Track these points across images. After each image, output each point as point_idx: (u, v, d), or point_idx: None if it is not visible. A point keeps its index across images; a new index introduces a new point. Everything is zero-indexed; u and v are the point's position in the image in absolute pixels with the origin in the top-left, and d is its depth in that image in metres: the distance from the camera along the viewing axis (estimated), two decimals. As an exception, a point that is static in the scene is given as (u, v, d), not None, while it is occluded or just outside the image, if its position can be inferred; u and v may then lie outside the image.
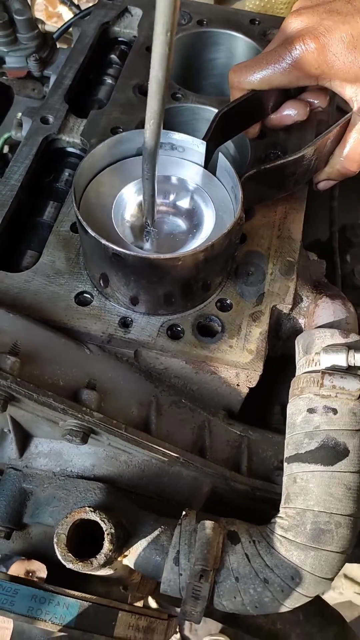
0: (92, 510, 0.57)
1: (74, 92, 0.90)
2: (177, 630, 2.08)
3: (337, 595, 1.99)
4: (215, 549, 0.55)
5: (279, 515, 0.59)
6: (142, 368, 0.69)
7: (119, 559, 0.59)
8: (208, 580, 0.54)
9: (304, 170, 0.74)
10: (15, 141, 0.97)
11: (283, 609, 0.56)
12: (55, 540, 0.56)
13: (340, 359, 0.59)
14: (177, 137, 0.68)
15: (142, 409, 0.67)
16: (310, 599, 0.56)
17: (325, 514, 0.55)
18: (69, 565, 0.55)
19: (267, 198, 0.75)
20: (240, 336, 0.67)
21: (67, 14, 1.79)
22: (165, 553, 0.58)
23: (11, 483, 0.67)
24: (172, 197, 0.70)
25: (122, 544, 0.59)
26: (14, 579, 0.58)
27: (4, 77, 1.00)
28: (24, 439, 0.68)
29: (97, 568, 0.55)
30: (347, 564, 0.72)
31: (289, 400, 0.63)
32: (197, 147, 0.68)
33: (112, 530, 0.56)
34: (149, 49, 0.94)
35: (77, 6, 1.34)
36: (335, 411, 0.58)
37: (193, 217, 0.69)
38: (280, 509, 0.59)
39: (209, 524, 0.57)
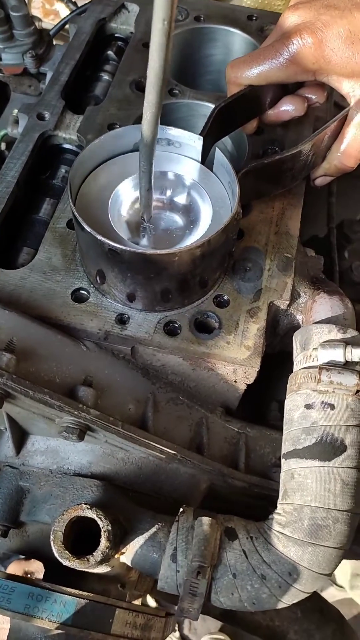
0: (89, 507, 0.56)
1: (71, 88, 0.90)
2: (177, 629, 2.08)
3: (336, 592, 1.99)
4: (213, 546, 0.55)
5: (276, 511, 0.59)
6: (139, 365, 0.69)
7: (116, 556, 0.59)
8: (205, 577, 0.53)
9: (302, 166, 0.73)
10: (12, 138, 0.97)
11: (281, 605, 0.56)
12: (51, 537, 0.55)
13: (337, 355, 0.58)
14: (174, 132, 0.68)
15: (139, 405, 0.66)
16: (308, 594, 0.56)
17: (323, 510, 0.54)
18: (66, 563, 0.55)
19: (265, 194, 0.75)
20: (237, 332, 0.67)
21: (64, 11, 1.78)
22: (163, 550, 0.57)
23: (8, 481, 0.67)
24: (168, 192, 0.69)
25: (119, 541, 0.58)
26: (11, 577, 0.58)
27: (0, 74, 0.99)
28: (20, 437, 0.68)
29: (94, 565, 0.55)
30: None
31: (287, 396, 0.62)
32: (193, 142, 0.68)
33: (109, 528, 0.55)
34: (146, 45, 0.94)
35: (74, 3, 1.33)
36: (332, 407, 0.58)
37: (190, 213, 0.69)
38: (278, 505, 0.59)
39: (206, 520, 0.56)
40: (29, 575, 0.77)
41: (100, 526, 0.56)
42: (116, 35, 1.02)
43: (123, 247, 0.57)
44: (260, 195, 0.75)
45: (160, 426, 0.67)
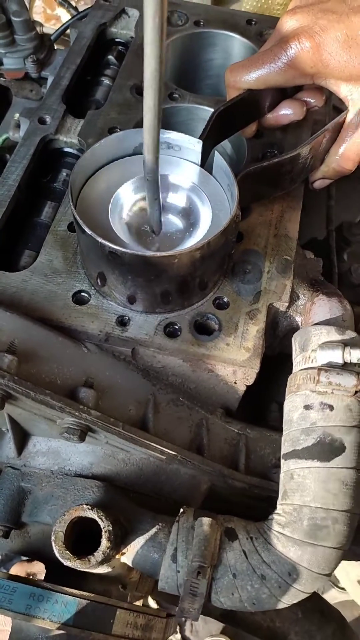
0: (90, 507, 0.57)
1: (72, 92, 0.91)
2: (178, 631, 2.08)
3: (337, 594, 1.99)
4: (213, 546, 0.56)
5: (276, 511, 0.59)
6: (139, 366, 0.69)
7: (117, 556, 0.60)
8: (205, 577, 0.54)
9: (300, 169, 0.74)
10: (13, 142, 0.97)
11: (281, 605, 0.56)
12: (53, 537, 0.56)
13: (336, 356, 0.59)
14: (174, 136, 0.69)
15: (140, 407, 0.67)
16: (307, 594, 0.56)
17: (322, 510, 0.55)
18: (67, 563, 0.55)
19: (264, 196, 0.76)
20: (237, 334, 0.68)
21: (65, 17, 1.80)
22: (163, 550, 0.58)
23: (9, 482, 0.68)
24: (168, 196, 0.70)
25: (120, 541, 0.59)
26: (12, 578, 0.59)
27: (1, 79, 1.00)
28: (22, 438, 0.68)
29: (95, 566, 0.55)
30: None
31: (286, 397, 0.63)
32: (193, 146, 0.68)
33: (110, 528, 0.56)
34: (145, 50, 0.94)
35: (75, 8, 1.35)
36: (331, 407, 0.58)
37: (190, 216, 0.69)
38: (278, 505, 0.59)
39: (206, 520, 0.57)
40: (30, 577, 0.77)
41: (101, 526, 0.56)
42: (117, 40, 1.03)
43: (123, 250, 0.58)
44: (259, 197, 0.75)
45: (161, 427, 0.67)
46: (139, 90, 0.89)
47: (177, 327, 0.68)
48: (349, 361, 0.59)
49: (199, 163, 0.70)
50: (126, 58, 0.93)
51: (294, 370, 0.65)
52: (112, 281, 0.65)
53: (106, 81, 0.97)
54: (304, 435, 0.58)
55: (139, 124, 0.83)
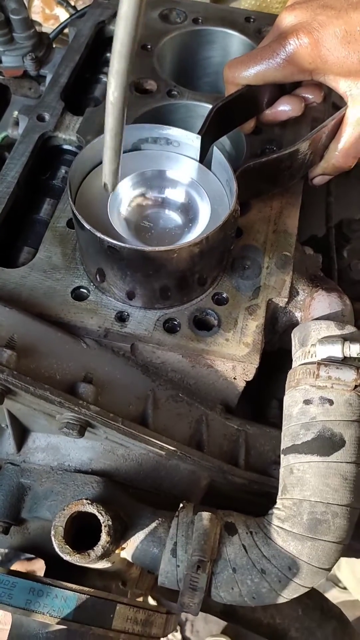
0: (90, 502, 0.57)
1: (70, 90, 0.91)
2: (179, 631, 2.08)
3: (338, 593, 1.99)
4: (213, 540, 0.56)
5: (276, 506, 0.59)
6: (138, 362, 0.69)
7: (117, 551, 0.60)
8: (205, 571, 0.54)
9: (299, 165, 0.74)
10: (13, 140, 0.97)
11: (281, 600, 0.56)
12: (52, 532, 0.56)
13: (335, 350, 0.59)
14: (172, 132, 0.69)
15: (139, 403, 0.67)
16: (308, 589, 0.56)
17: (322, 504, 0.55)
18: (66, 558, 0.55)
19: (263, 192, 0.76)
20: (236, 329, 0.68)
21: (64, 16, 1.80)
22: (163, 545, 0.58)
23: (9, 478, 0.68)
24: (167, 191, 0.70)
25: (119, 536, 0.59)
26: (12, 573, 0.58)
27: (0, 77, 1.00)
28: (21, 434, 0.68)
29: (95, 560, 0.55)
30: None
31: (286, 392, 0.63)
32: (192, 141, 0.68)
33: (110, 522, 0.56)
34: (144, 47, 0.95)
35: (74, 7, 1.35)
36: (331, 402, 0.58)
37: (189, 212, 0.69)
38: (277, 500, 0.59)
39: (206, 515, 0.57)
40: (30, 574, 0.77)
41: (101, 521, 0.56)
42: (115, 37, 1.03)
43: (122, 244, 0.58)
44: (258, 193, 0.75)
45: (160, 423, 0.67)
46: (137, 87, 0.89)
47: (176, 322, 0.68)
48: (348, 355, 0.59)
49: (198, 159, 0.70)
50: (125, 55, 0.93)
51: (293, 366, 0.65)
52: (111, 277, 0.65)
53: (105, 79, 0.97)
54: (303, 430, 0.58)
55: (138, 120, 0.84)
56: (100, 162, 0.69)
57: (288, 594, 0.55)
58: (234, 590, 0.55)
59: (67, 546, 0.55)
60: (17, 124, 0.89)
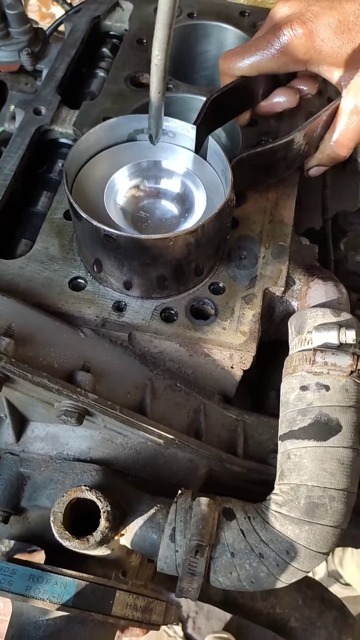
0: (88, 489, 0.57)
1: (67, 85, 0.91)
2: (180, 626, 2.08)
3: (340, 589, 1.99)
4: (211, 525, 0.56)
5: (273, 492, 0.59)
6: (136, 352, 0.70)
7: (116, 537, 0.60)
8: (204, 556, 0.54)
9: (295, 155, 0.74)
10: (10, 134, 0.98)
11: (279, 584, 0.56)
12: (51, 518, 0.56)
13: (331, 337, 0.59)
14: (168, 122, 0.69)
15: (137, 392, 0.67)
16: (306, 573, 0.56)
17: (319, 489, 0.55)
18: (66, 543, 0.55)
19: (259, 183, 0.76)
20: (233, 318, 0.68)
21: (60, 15, 1.80)
22: (161, 530, 0.58)
23: (8, 468, 0.68)
24: (163, 182, 0.70)
25: (118, 523, 0.59)
26: (12, 560, 0.59)
27: (-3, 72, 1.01)
28: (20, 424, 0.68)
29: (94, 546, 0.56)
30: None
31: (282, 380, 0.63)
32: (187, 132, 0.69)
33: (108, 508, 0.56)
34: (140, 41, 0.95)
35: (70, 4, 1.35)
36: (327, 388, 0.58)
37: (185, 202, 0.70)
38: (275, 485, 0.60)
39: (204, 500, 0.57)
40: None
41: (100, 507, 0.56)
42: (111, 32, 1.03)
43: (118, 232, 0.58)
44: (254, 184, 0.76)
45: (158, 412, 0.68)
46: (133, 81, 0.89)
47: (173, 312, 0.68)
48: (344, 342, 0.60)
49: (194, 149, 0.71)
50: (120, 49, 0.94)
51: (290, 353, 0.65)
52: (108, 267, 0.66)
53: (101, 73, 0.97)
54: (300, 416, 0.59)
55: (134, 113, 0.84)
56: (96, 153, 0.70)
57: (286, 578, 0.56)
58: (233, 575, 0.55)
59: (66, 532, 0.55)
60: (13, 118, 0.90)
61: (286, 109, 0.79)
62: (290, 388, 0.61)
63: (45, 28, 1.21)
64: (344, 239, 0.99)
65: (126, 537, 0.60)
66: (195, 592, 0.54)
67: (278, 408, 0.65)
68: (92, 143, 0.68)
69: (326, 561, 2.03)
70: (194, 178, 0.70)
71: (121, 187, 0.69)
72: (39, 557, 0.81)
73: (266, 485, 0.66)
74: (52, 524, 0.56)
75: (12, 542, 0.80)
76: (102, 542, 0.56)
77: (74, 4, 1.34)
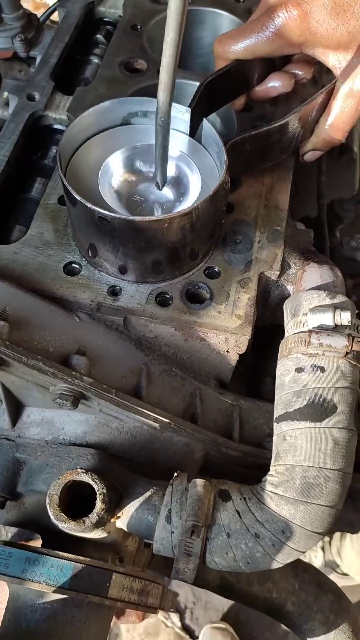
0: (84, 471, 0.57)
1: (61, 71, 0.91)
2: (178, 617, 2.09)
3: (337, 579, 2.00)
4: (207, 506, 0.56)
5: (269, 473, 0.59)
6: (132, 336, 0.69)
7: (112, 520, 0.60)
8: (200, 536, 0.54)
9: (290, 139, 0.74)
10: (3, 121, 0.97)
11: (275, 565, 0.56)
12: (47, 501, 0.56)
13: (327, 319, 0.59)
14: (162, 106, 0.69)
15: (133, 376, 0.67)
16: (301, 553, 0.56)
17: (314, 469, 0.55)
18: (62, 526, 0.55)
19: (254, 167, 0.76)
20: (228, 302, 0.68)
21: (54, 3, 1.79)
22: (157, 512, 0.58)
23: (4, 453, 0.68)
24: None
25: (114, 505, 0.59)
26: (8, 544, 0.59)
27: (-10, 59, 1.00)
28: (16, 409, 0.68)
29: (90, 528, 0.56)
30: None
31: (278, 362, 0.63)
32: (182, 114, 0.68)
33: (104, 490, 0.56)
34: (134, 27, 0.94)
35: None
36: (322, 369, 0.58)
37: (179, 186, 0.69)
38: (271, 467, 0.60)
39: (200, 482, 0.57)
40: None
41: (96, 489, 0.56)
42: (105, 19, 1.03)
43: (112, 215, 0.58)
44: (249, 167, 0.75)
45: (154, 396, 0.68)
46: (127, 67, 0.89)
47: (168, 296, 0.68)
48: (339, 323, 0.59)
49: (188, 133, 0.70)
50: (115, 35, 0.93)
51: (285, 336, 0.65)
52: (102, 251, 0.65)
53: (95, 60, 0.97)
54: (295, 398, 0.59)
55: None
56: (90, 137, 0.70)
57: (282, 559, 0.56)
58: (229, 556, 0.56)
59: (62, 514, 0.55)
60: (7, 104, 0.89)
61: (281, 94, 0.79)
62: (285, 370, 0.61)
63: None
64: (340, 226, 0.99)
65: (122, 520, 0.60)
66: (191, 573, 0.54)
67: (273, 394, 0.65)
68: (86, 126, 0.68)
69: (323, 551, 2.04)
70: (189, 162, 0.69)
71: (116, 171, 0.68)
72: (36, 545, 0.81)
73: (262, 470, 0.66)
74: (48, 507, 0.56)
75: (10, 531, 0.81)
76: (98, 524, 0.56)
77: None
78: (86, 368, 0.61)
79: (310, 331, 0.59)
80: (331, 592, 0.85)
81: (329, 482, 0.55)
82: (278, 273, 0.71)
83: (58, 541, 0.62)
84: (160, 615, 2.09)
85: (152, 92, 0.87)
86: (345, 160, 1.22)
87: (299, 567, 0.83)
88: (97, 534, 0.59)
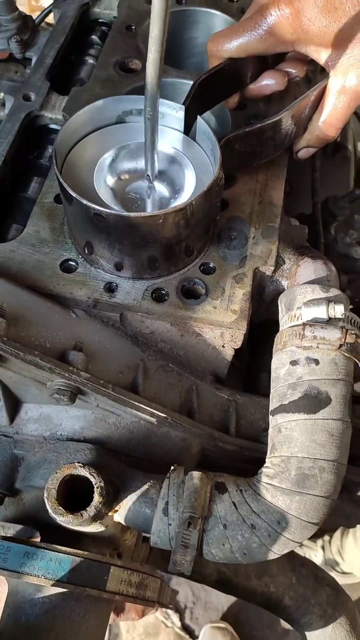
0: (82, 465, 0.58)
1: (56, 72, 0.91)
2: (178, 617, 2.09)
3: (337, 576, 2.00)
4: (203, 498, 0.56)
5: (265, 465, 0.60)
6: (128, 332, 0.70)
7: (110, 514, 0.60)
8: (196, 528, 0.55)
9: (283, 136, 0.75)
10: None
11: (272, 556, 0.57)
12: (45, 495, 0.57)
13: (320, 312, 0.60)
14: (157, 104, 0.69)
15: (129, 372, 0.68)
16: (297, 544, 0.57)
17: (309, 460, 0.56)
18: (60, 519, 0.56)
19: (248, 164, 0.77)
20: (224, 297, 0.68)
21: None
22: (155, 505, 0.59)
23: (2, 450, 0.68)
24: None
25: (112, 499, 0.60)
26: (6, 538, 0.59)
27: (-14, 61, 1.01)
28: (13, 406, 0.69)
29: (88, 521, 0.56)
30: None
31: (273, 356, 0.64)
32: (176, 112, 0.69)
33: (102, 484, 0.57)
34: (128, 28, 0.95)
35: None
36: (317, 362, 0.59)
37: (174, 183, 0.70)
38: (266, 459, 0.60)
39: (196, 474, 0.58)
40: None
41: (93, 483, 0.57)
42: (100, 20, 1.04)
43: (108, 211, 0.58)
44: (243, 164, 0.76)
45: (151, 392, 0.68)
46: (122, 67, 0.89)
47: (164, 292, 0.68)
48: (333, 316, 0.60)
49: (183, 130, 0.71)
50: (109, 36, 0.94)
51: (280, 330, 0.65)
52: (99, 248, 0.66)
53: (90, 60, 0.98)
54: (290, 390, 0.59)
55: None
56: (86, 135, 0.70)
57: (278, 549, 0.56)
58: (225, 547, 0.56)
59: (60, 507, 0.55)
60: (3, 104, 0.90)
61: (275, 92, 0.80)
62: (280, 363, 0.62)
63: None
64: (334, 223, 1.00)
65: (120, 514, 0.60)
66: (188, 565, 0.55)
67: (269, 389, 0.66)
68: (81, 124, 0.68)
69: (323, 549, 2.04)
70: (184, 159, 0.70)
71: (111, 169, 0.69)
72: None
73: (259, 464, 0.67)
74: (46, 500, 0.56)
75: (9, 529, 0.81)
76: (96, 518, 0.57)
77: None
78: (83, 364, 0.61)
79: (304, 324, 0.60)
80: (329, 586, 0.85)
81: (324, 472, 0.56)
82: (272, 268, 0.71)
83: (56, 536, 0.62)
84: (160, 615, 2.09)
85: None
86: (339, 158, 1.23)
87: (297, 562, 0.83)
88: (95, 528, 0.60)
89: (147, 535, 0.60)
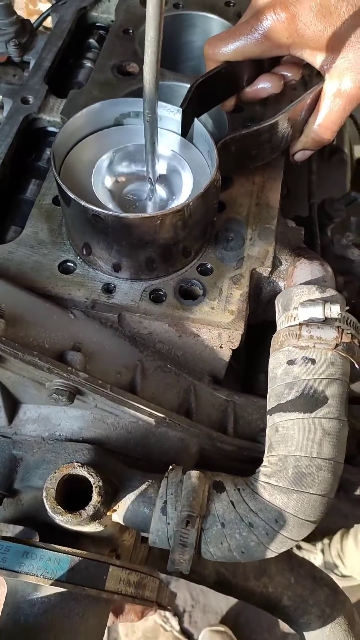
0: (80, 465, 0.58)
1: (54, 75, 0.92)
2: (177, 621, 2.08)
3: (336, 579, 2.00)
4: (201, 497, 0.57)
5: (262, 464, 0.60)
6: (126, 333, 0.70)
7: (108, 513, 0.61)
8: (195, 527, 0.55)
9: (280, 139, 0.75)
10: (-2, 126, 0.98)
11: (269, 554, 0.57)
12: (44, 494, 0.57)
13: (317, 312, 0.60)
14: (154, 106, 0.70)
15: (128, 372, 0.68)
16: (295, 542, 0.57)
17: (306, 458, 0.56)
18: (58, 518, 0.56)
19: (245, 166, 0.77)
20: (221, 298, 0.69)
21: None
22: (153, 505, 0.59)
23: (1, 450, 0.68)
24: (150, 165, 0.71)
25: (110, 499, 0.60)
26: (5, 538, 0.59)
27: (-16, 64, 1.01)
28: (12, 406, 0.69)
29: (86, 521, 0.56)
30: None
31: (270, 356, 0.64)
32: (173, 114, 0.70)
33: (100, 483, 0.57)
34: (126, 32, 0.96)
35: (57, -1, 1.36)
36: (313, 361, 0.59)
37: (172, 185, 0.71)
38: (264, 459, 0.61)
39: (194, 473, 0.58)
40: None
41: (92, 482, 0.57)
42: (97, 24, 1.04)
43: (105, 212, 0.59)
44: (240, 167, 0.77)
45: (149, 392, 0.69)
46: (120, 70, 0.90)
47: (162, 292, 0.69)
48: (329, 316, 0.61)
49: (180, 133, 0.72)
50: (107, 39, 0.95)
51: (277, 330, 0.66)
52: (97, 250, 0.66)
53: (88, 64, 0.98)
54: (287, 389, 0.60)
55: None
56: (83, 138, 0.71)
57: (276, 547, 0.57)
58: (223, 545, 0.56)
59: (59, 506, 0.56)
60: (1, 107, 0.90)
61: (271, 95, 0.80)
62: (277, 363, 0.62)
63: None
64: (331, 225, 1.00)
65: (118, 513, 0.61)
66: (186, 563, 0.55)
67: (267, 390, 0.66)
68: (79, 127, 0.69)
69: (322, 552, 2.04)
70: (181, 161, 0.71)
71: (109, 171, 0.70)
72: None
73: (256, 463, 0.67)
74: (44, 500, 0.56)
75: (8, 531, 0.81)
76: (95, 517, 0.57)
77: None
78: (81, 364, 0.62)
79: (301, 324, 0.61)
80: (327, 586, 0.86)
81: (321, 471, 0.56)
82: (269, 269, 0.72)
83: (55, 536, 0.62)
84: (159, 619, 2.08)
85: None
86: (335, 160, 1.24)
87: (295, 562, 0.84)
88: (94, 528, 0.60)
89: (146, 534, 0.60)
